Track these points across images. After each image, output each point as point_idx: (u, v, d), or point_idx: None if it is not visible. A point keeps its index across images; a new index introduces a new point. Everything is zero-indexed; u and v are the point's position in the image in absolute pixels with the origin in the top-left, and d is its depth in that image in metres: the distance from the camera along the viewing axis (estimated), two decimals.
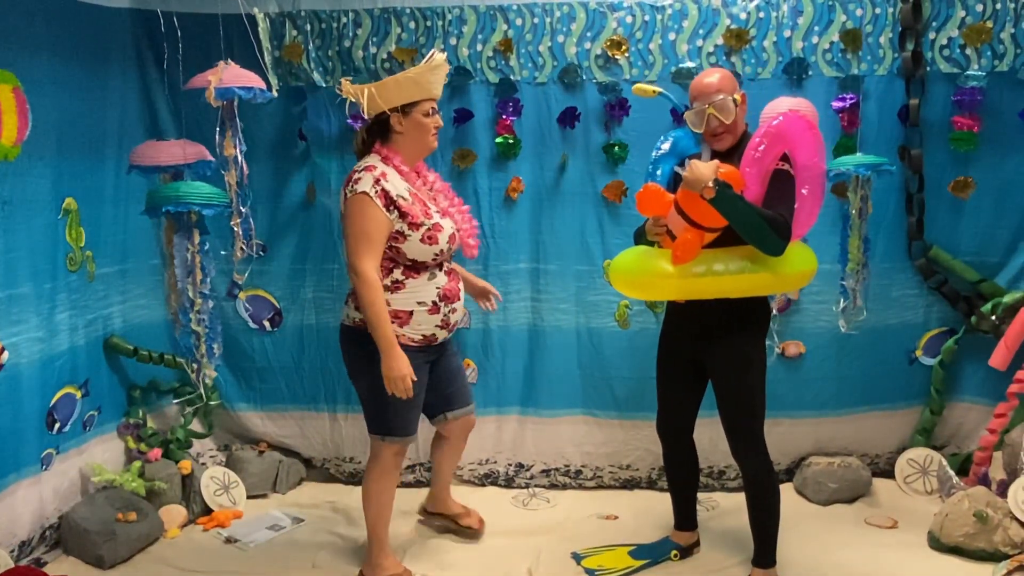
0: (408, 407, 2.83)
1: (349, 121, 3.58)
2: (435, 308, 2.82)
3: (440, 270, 2.85)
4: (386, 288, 2.75)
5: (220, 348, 2.96)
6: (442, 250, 2.79)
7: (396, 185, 2.75)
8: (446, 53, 3.10)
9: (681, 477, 3.16)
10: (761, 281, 2.63)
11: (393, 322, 2.73)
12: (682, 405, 3.02)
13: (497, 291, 3.25)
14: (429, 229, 2.75)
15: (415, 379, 2.72)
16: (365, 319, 2.71)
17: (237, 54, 2.96)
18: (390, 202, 2.71)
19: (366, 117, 2.84)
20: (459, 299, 2.91)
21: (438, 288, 2.82)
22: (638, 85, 3.07)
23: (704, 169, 2.51)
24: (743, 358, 2.78)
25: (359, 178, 2.72)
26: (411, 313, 2.78)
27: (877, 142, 3.49)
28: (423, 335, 2.82)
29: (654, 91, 3.04)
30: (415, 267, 2.79)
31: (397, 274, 2.78)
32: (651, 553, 3.14)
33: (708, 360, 2.85)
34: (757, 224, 2.51)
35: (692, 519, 3.19)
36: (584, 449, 3.79)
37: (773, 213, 2.54)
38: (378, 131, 2.84)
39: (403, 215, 2.72)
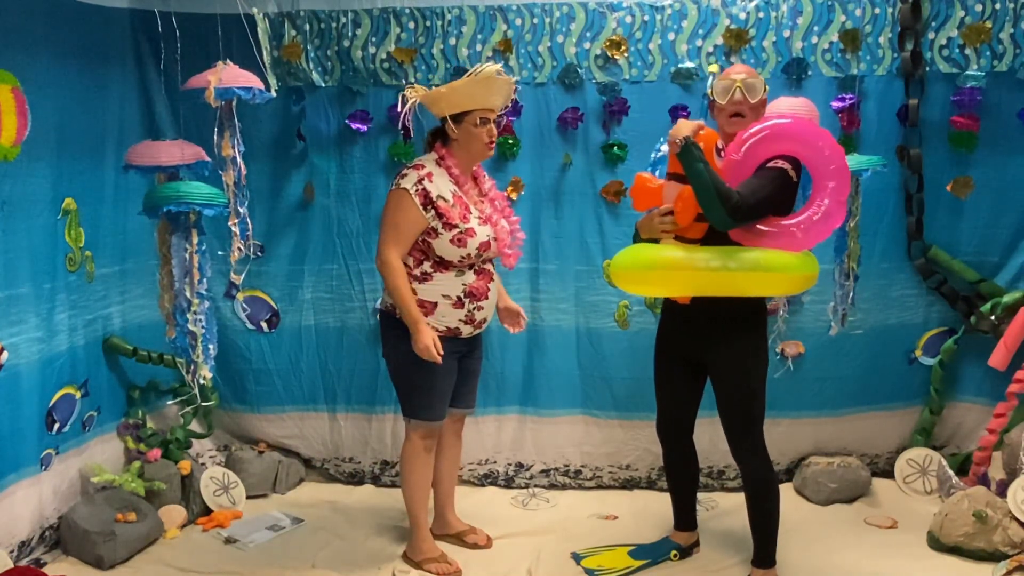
0: (432, 391, 2.94)
1: (347, 121, 3.59)
2: (459, 303, 2.90)
3: (470, 269, 2.91)
4: (415, 278, 2.88)
5: (215, 349, 2.96)
6: (468, 254, 2.86)
7: (440, 186, 2.85)
8: (500, 64, 3.09)
9: (681, 477, 3.16)
10: (763, 281, 2.60)
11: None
12: (681, 406, 3.02)
13: (525, 315, 3.21)
14: (461, 232, 2.83)
15: (441, 351, 2.79)
16: (393, 302, 2.87)
17: (236, 54, 2.95)
18: (428, 202, 2.82)
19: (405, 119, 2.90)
20: (486, 298, 2.95)
21: (464, 285, 2.90)
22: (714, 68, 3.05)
23: (684, 125, 2.61)
24: (744, 360, 2.78)
25: (405, 174, 2.86)
26: (435, 304, 2.88)
27: (876, 142, 3.50)
28: (447, 327, 2.91)
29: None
30: (443, 263, 2.88)
31: (427, 266, 2.89)
32: (651, 553, 3.14)
33: (709, 361, 2.84)
34: (707, 187, 2.50)
35: (692, 519, 3.19)
36: (584, 449, 3.79)
37: (728, 186, 2.52)
38: (441, 133, 2.93)
39: (439, 215, 2.82)
